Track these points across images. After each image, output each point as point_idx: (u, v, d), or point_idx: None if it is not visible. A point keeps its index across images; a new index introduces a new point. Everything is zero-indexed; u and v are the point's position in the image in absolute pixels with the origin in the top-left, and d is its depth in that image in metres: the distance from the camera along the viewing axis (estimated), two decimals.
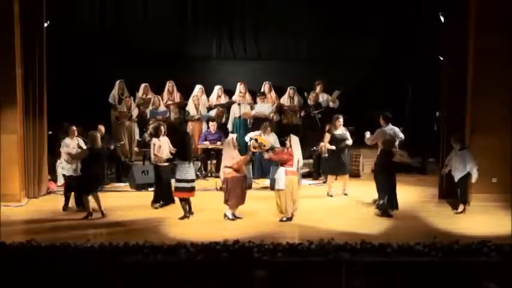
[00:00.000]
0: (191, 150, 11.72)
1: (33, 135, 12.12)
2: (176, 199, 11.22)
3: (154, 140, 11.68)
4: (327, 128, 13.25)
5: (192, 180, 11.08)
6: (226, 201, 10.83)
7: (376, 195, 11.51)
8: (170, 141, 11.83)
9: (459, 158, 11.16)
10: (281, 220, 10.74)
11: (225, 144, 11.13)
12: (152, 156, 11.65)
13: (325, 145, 12.60)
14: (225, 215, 10.82)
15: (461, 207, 11.20)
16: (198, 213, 11.23)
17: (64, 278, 8.15)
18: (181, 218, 10.90)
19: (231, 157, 10.79)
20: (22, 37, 11.90)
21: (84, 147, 11.52)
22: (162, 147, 11.54)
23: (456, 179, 11.23)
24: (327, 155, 13.35)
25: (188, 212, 11.01)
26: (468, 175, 11.13)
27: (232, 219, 10.78)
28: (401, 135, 11.73)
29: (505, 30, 11.48)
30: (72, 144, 11.59)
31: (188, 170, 10.99)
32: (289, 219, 10.73)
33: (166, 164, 11.53)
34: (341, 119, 12.62)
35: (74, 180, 11.35)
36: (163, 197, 11.57)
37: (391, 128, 11.76)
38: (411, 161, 11.39)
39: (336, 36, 15.49)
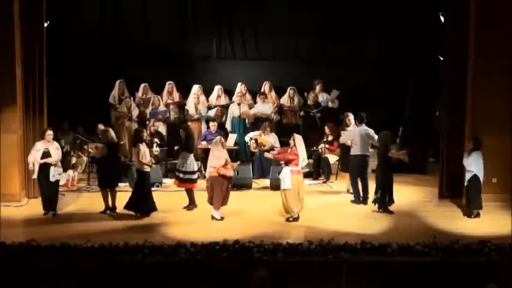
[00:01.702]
0: (194, 143, 11.82)
1: (33, 135, 12.10)
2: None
3: (139, 145, 11.06)
4: (327, 129, 13.27)
5: (193, 172, 11.39)
6: (210, 201, 10.85)
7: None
8: (172, 138, 11.87)
9: (468, 159, 10.96)
10: (287, 220, 10.72)
11: (213, 143, 11.13)
12: (137, 162, 11.07)
13: (344, 142, 12.43)
14: (213, 217, 10.81)
15: (474, 213, 10.94)
16: (198, 213, 11.24)
17: (64, 278, 8.15)
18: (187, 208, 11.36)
19: (216, 157, 10.81)
20: (22, 37, 11.90)
21: (59, 151, 11.27)
22: (146, 152, 11.31)
23: (466, 182, 11.01)
24: (326, 155, 13.37)
25: (192, 204, 11.36)
26: (475, 177, 10.87)
27: (221, 219, 10.78)
28: (375, 137, 11.74)
29: (505, 30, 11.48)
30: (41, 148, 11.06)
31: (193, 162, 11.31)
32: (296, 219, 10.72)
33: (149, 169, 11.26)
34: (351, 117, 12.62)
35: (46, 184, 11.15)
36: (143, 206, 11.09)
37: (365, 129, 11.80)
38: (407, 159, 11.31)
39: (336, 36, 15.47)
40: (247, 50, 15.99)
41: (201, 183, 13.18)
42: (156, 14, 15.70)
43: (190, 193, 11.46)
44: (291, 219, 10.71)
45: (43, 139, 11.20)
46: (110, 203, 11.27)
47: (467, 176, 10.93)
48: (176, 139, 12.38)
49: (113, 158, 11.45)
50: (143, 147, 11.09)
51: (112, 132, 11.57)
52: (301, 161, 10.80)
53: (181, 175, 11.39)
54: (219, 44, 15.94)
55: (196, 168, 11.55)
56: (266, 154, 11.88)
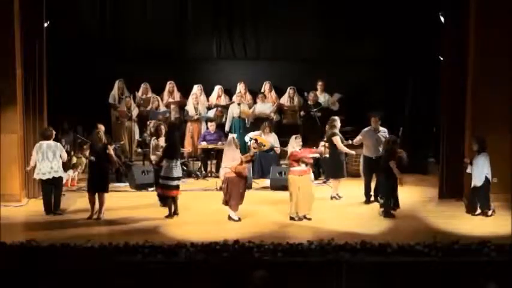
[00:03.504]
0: (178, 149, 11.65)
1: (33, 135, 12.10)
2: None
3: (154, 140, 11.61)
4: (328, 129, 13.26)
5: (178, 178, 11.03)
6: (226, 202, 10.78)
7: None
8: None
9: (475, 162, 10.91)
10: (308, 218, 10.81)
11: (227, 144, 11.12)
12: (152, 157, 11.51)
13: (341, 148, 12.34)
14: (230, 217, 10.75)
15: (490, 212, 10.93)
16: (198, 213, 11.24)
17: (64, 278, 8.15)
18: (167, 217, 10.90)
19: (232, 158, 10.75)
20: (22, 37, 11.90)
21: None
22: (159, 145, 11.46)
23: (472, 185, 10.96)
24: (326, 155, 13.35)
25: (173, 212, 10.99)
26: (486, 179, 10.81)
27: (238, 220, 10.72)
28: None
29: (505, 30, 11.48)
30: None
31: (174, 168, 10.94)
32: (292, 218, 10.75)
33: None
34: (337, 121, 12.60)
35: (52, 182, 11.16)
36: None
37: (382, 130, 11.79)
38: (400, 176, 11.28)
39: (336, 36, 15.48)
40: (247, 50, 16.00)
41: (203, 184, 13.31)
42: (156, 14, 15.70)
43: (173, 200, 11.08)
44: (309, 216, 10.78)
45: (49, 139, 11.16)
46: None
47: (479, 180, 10.83)
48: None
49: (98, 161, 11.03)
50: (157, 143, 11.42)
51: (102, 133, 11.29)
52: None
53: (160, 180, 11.07)
54: (219, 44, 15.95)
55: (177, 175, 11.04)
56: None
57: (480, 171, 10.84)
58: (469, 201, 11.16)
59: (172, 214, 10.97)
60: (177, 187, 11.00)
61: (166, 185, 10.94)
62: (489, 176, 10.87)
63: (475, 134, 11.30)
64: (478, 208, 10.97)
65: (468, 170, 11.06)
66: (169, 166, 10.91)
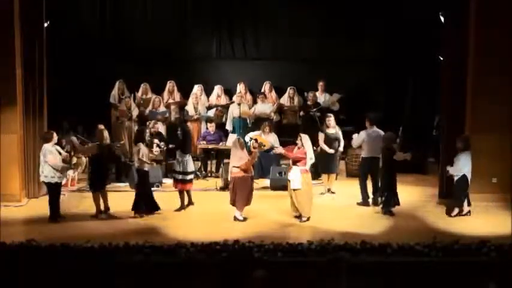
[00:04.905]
0: (190, 144, 11.85)
1: (33, 135, 12.11)
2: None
3: (139, 144, 11.18)
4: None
5: (192, 172, 11.41)
6: (233, 202, 10.76)
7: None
8: (169, 139, 11.84)
9: (456, 159, 10.98)
10: (301, 220, 10.67)
11: (232, 145, 11.13)
12: (136, 160, 11.13)
13: (321, 145, 12.52)
14: (235, 218, 10.73)
15: (455, 211, 10.98)
16: (198, 213, 11.25)
17: (64, 278, 8.15)
18: (178, 210, 11.22)
19: (238, 157, 10.75)
20: (22, 37, 11.90)
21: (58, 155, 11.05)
22: (146, 152, 11.29)
23: (455, 181, 11.04)
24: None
25: (189, 203, 11.33)
26: (463, 177, 10.87)
27: (243, 220, 10.71)
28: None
29: (505, 30, 11.48)
30: (54, 150, 10.90)
31: (188, 163, 11.27)
32: (308, 219, 10.71)
33: (148, 168, 11.29)
34: (331, 118, 12.60)
35: (58, 187, 11.03)
36: (146, 204, 11.15)
37: (374, 131, 11.77)
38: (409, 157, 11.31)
39: (336, 36, 15.51)
40: (247, 50, 16.04)
41: (203, 184, 13.30)
42: (156, 14, 15.73)
43: (187, 193, 11.41)
44: (304, 219, 10.68)
45: (48, 142, 10.92)
46: (102, 206, 11.10)
47: (456, 176, 10.92)
48: (175, 139, 12.39)
49: (103, 159, 11.13)
50: (143, 147, 11.13)
51: (106, 133, 11.34)
52: (309, 161, 10.80)
53: (177, 176, 11.33)
54: (219, 44, 15.98)
55: (192, 169, 11.47)
56: (276, 150, 11.94)
57: (458, 168, 10.86)
58: (449, 201, 11.17)
59: (185, 206, 11.33)
60: (191, 180, 11.42)
61: (184, 180, 11.26)
62: (468, 175, 10.87)
63: (459, 136, 11.28)
64: (456, 208, 11.00)
65: (450, 172, 11.07)
66: (183, 161, 11.22)
